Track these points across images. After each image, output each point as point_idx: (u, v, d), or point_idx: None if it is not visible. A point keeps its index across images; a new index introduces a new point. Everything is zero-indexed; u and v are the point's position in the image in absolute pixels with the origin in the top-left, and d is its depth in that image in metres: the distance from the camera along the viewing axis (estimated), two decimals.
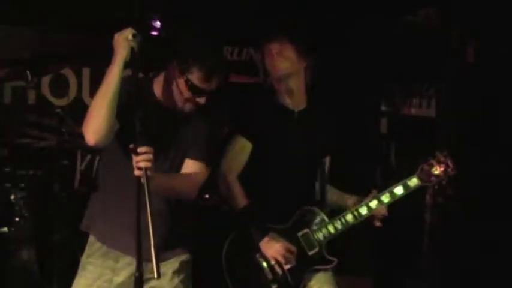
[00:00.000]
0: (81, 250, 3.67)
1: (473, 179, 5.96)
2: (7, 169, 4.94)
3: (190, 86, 3.34)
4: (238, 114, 4.08)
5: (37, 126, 5.82)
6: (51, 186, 5.17)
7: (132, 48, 3.19)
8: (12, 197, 4.78)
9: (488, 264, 5.82)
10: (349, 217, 3.96)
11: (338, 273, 4.05)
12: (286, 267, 3.86)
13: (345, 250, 4.05)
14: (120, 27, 3.29)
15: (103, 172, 3.56)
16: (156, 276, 2.92)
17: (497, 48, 6.02)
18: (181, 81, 3.36)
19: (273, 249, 3.82)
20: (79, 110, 5.07)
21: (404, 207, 4.18)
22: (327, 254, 3.95)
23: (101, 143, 3.25)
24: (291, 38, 4.04)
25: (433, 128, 6.81)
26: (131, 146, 3.08)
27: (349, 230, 3.99)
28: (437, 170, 4.01)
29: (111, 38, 3.28)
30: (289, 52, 4.01)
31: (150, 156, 3.07)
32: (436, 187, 4.01)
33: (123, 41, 3.19)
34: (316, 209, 4.00)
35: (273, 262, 3.84)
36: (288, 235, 3.89)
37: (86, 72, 6.03)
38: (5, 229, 4.75)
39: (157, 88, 3.47)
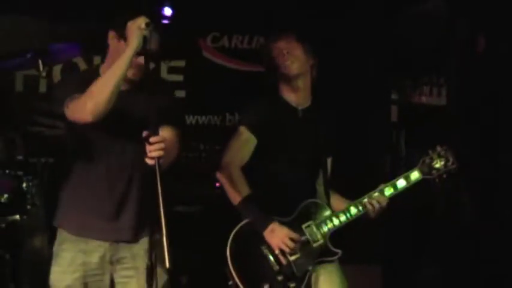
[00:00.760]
0: None
1: (483, 168, 5.96)
2: (19, 157, 4.96)
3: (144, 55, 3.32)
4: (244, 107, 4.09)
5: (49, 114, 5.85)
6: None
7: (145, 37, 3.21)
8: (24, 185, 4.80)
9: (498, 252, 5.82)
10: (353, 210, 3.98)
11: (346, 261, 4.06)
12: (292, 258, 3.87)
13: (353, 239, 4.06)
14: (130, 15, 3.31)
15: (71, 162, 3.57)
16: (167, 265, 2.94)
17: (507, 37, 6.00)
18: (121, 47, 3.35)
19: (277, 237, 3.83)
20: None
21: (413, 195, 4.18)
22: (331, 246, 3.97)
23: (95, 120, 3.25)
24: (298, 37, 4.05)
25: (443, 116, 6.80)
26: (144, 133, 3.11)
27: (356, 219, 4.00)
28: (437, 164, 4.02)
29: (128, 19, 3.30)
30: (298, 51, 4.02)
31: (162, 145, 3.10)
32: (437, 180, 4.02)
33: (136, 30, 3.21)
34: (320, 202, 4.01)
35: (277, 251, 3.85)
36: (292, 227, 3.89)
37: (97, 60, 6.06)
38: (17, 217, 4.77)
39: (104, 69, 3.48)
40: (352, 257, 4.09)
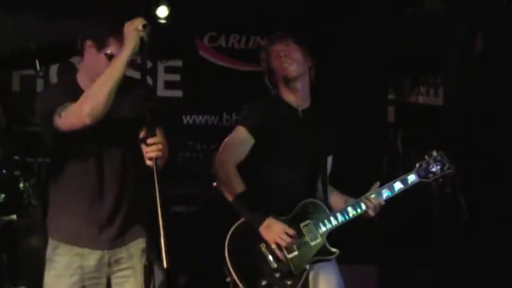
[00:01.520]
0: None
1: (480, 169, 5.97)
2: (16, 157, 4.95)
3: (111, 58, 3.31)
4: (244, 107, 4.09)
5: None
6: None
7: (142, 38, 3.20)
8: (21, 184, 4.80)
9: (494, 254, 5.83)
10: (350, 210, 4.00)
11: (342, 261, 4.07)
12: (289, 256, 3.88)
13: (349, 238, 4.07)
14: (127, 15, 3.30)
15: (57, 173, 3.52)
16: (165, 265, 2.94)
17: (505, 38, 6.01)
18: (101, 58, 3.35)
19: (273, 232, 3.84)
20: None
21: (410, 197, 4.20)
22: (329, 245, 3.98)
23: (92, 123, 3.23)
24: (296, 39, 4.05)
25: (440, 116, 6.82)
26: (141, 134, 3.10)
27: (354, 219, 4.01)
28: (434, 168, 4.08)
29: (120, 25, 3.29)
30: (296, 53, 4.02)
31: (160, 146, 3.08)
32: (433, 184, 4.08)
33: (133, 31, 3.19)
34: (318, 202, 4.02)
35: (274, 246, 3.86)
36: (290, 225, 3.91)
37: None
38: (14, 217, 4.77)
39: (82, 79, 3.47)
40: (348, 257, 4.10)
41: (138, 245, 3.51)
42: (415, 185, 4.06)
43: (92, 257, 3.46)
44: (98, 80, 3.24)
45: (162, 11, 5.90)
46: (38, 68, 4.90)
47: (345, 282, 4.08)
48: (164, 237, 2.93)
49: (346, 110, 6.07)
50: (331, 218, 3.99)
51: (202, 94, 6.33)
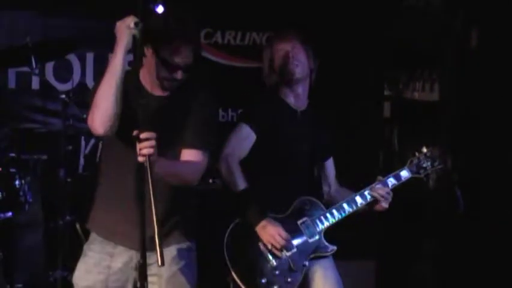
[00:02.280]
0: (85, 235, 3.68)
1: (476, 164, 5.98)
2: (12, 154, 4.95)
3: (164, 62, 3.30)
4: (245, 104, 4.10)
5: (41, 111, 5.85)
6: (56, 171, 5.20)
7: (134, 36, 3.19)
8: (17, 182, 4.79)
9: (491, 249, 5.84)
10: (346, 207, 4.02)
11: (340, 257, 4.09)
12: (288, 254, 3.89)
13: (347, 234, 4.08)
14: (122, 11, 3.29)
15: (103, 163, 3.54)
16: (159, 263, 2.94)
17: (500, 33, 6.01)
18: (156, 62, 3.33)
19: (267, 234, 3.85)
20: (83, 95, 5.10)
21: (407, 191, 4.22)
22: (326, 242, 4.00)
23: (109, 133, 3.24)
24: (302, 40, 4.05)
25: (436, 111, 6.82)
26: (134, 132, 3.08)
27: (351, 215, 4.03)
28: (425, 164, 4.16)
29: (114, 22, 3.29)
30: (302, 55, 4.03)
31: (153, 142, 3.06)
32: (425, 179, 4.13)
33: (125, 29, 3.18)
34: (314, 199, 4.05)
35: (269, 246, 3.88)
36: (287, 223, 3.92)
37: (89, 57, 6.04)
38: (10, 214, 4.77)
39: (144, 78, 3.44)
40: (346, 253, 4.11)
41: (170, 252, 3.44)
42: (408, 181, 4.12)
43: (120, 259, 3.43)
44: (100, 85, 3.23)
45: (159, 9, 5.89)
46: (34, 65, 4.90)
47: (343, 277, 4.10)
48: (158, 235, 2.93)
49: (342, 106, 6.11)
50: (328, 215, 4.01)
51: None
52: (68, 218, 5.10)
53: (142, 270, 2.99)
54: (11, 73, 5.87)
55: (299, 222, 3.98)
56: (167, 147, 3.31)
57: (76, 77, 6.00)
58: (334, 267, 4.08)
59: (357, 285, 4.78)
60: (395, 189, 4.10)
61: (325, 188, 4.25)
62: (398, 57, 6.96)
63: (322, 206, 4.05)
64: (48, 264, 5.15)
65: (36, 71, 4.98)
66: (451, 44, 6.45)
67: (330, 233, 4.04)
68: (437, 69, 7.24)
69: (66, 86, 5.87)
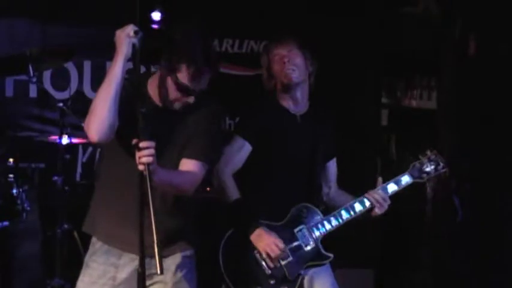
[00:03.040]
0: (83, 243, 3.66)
1: (474, 171, 5.98)
2: (9, 162, 4.94)
3: (179, 86, 3.29)
4: (239, 114, 4.09)
5: (39, 119, 5.84)
6: (53, 180, 5.19)
7: (134, 45, 3.18)
8: (15, 190, 4.77)
9: (490, 256, 5.84)
10: (344, 214, 3.99)
11: (338, 265, 4.07)
12: (283, 262, 3.87)
13: (345, 243, 4.07)
14: (120, 20, 3.29)
15: (104, 169, 3.52)
16: (159, 272, 2.93)
17: (498, 40, 6.02)
18: (169, 80, 3.32)
19: (262, 242, 3.83)
20: (80, 103, 5.10)
21: (405, 200, 4.20)
22: (323, 250, 3.97)
23: (104, 140, 3.23)
24: (299, 44, 4.03)
25: (434, 119, 6.83)
26: (134, 141, 3.08)
27: (349, 223, 4.01)
28: (428, 168, 4.08)
29: (112, 31, 3.29)
30: (299, 59, 4.00)
31: (152, 151, 3.05)
32: (427, 184, 4.07)
33: (125, 38, 3.17)
34: (311, 206, 4.01)
35: (264, 255, 3.86)
36: (283, 231, 3.90)
37: (87, 65, 6.05)
38: (7, 222, 4.75)
39: (151, 87, 3.43)
40: (344, 261, 4.10)
41: (174, 259, 3.44)
42: (409, 186, 4.06)
43: (126, 269, 3.40)
44: (97, 93, 3.22)
45: (156, 16, 5.90)
46: (32, 74, 4.90)
47: (341, 286, 4.08)
48: (157, 243, 2.93)
49: (340, 113, 6.09)
50: (325, 222, 3.98)
51: None
52: (65, 226, 5.09)
53: (141, 278, 2.98)
54: (9, 81, 5.87)
55: (295, 230, 3.95)
56: (168, 160, 3.31)
57: (73, 85, 6.01)
58: (332, 275, 4.05)
59: None
60: (394, 198, 4.06)
61: (325, 190, 4.20)
62: (396, 65, 6.98)
63: (319, 213, 4.02)
64: (46, 272, 5.13)
65: (34, 80, 4.96)
66: (449, 52, 6.45)
67: (328, 241, 4.02)
68: (435, 77, 7.26)
69: (64, 95, 5.88)
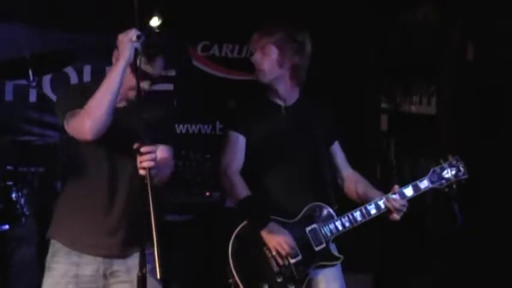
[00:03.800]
0: None
1: (474, 177, 5.97)
2: (9, 167, 4.94)
3: (134, 69, 3.28)
4: (227, 111, 4.10)
5: (39, 123, 5.84)
6: (53, 184, 5.19)
7: (136, 49, 3.21)
8: (14, 194, 4.78)
9: (489, 261, 5.84)
10: (358, 215, 3.96)
11: None
12: (292, 261, 3.87)
13: (345, 247, 4.06)
14: (120, 25, 3.31)
15: (69, 175, 3.55)
16: (158, 276, 2.94)
17: (497, 46, 6.03)
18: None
19: (274, 239, 3.83)
20: None
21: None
22: (333, 251, 3.97)
23: (95, 138, 3.25)
24: (275, 38, 3.99)
25: (433, 125, 6.83)
26: (135, 145, 3.11)
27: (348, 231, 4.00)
28: (448, 174, 4.03)
29: (112, 35, 3.30)
30: (267, 59, 3.99)
31: (153, 156, 3.10)
32: (447, 190, 4.03)
33: (127, 43, 3.21)
34: (325, 205, 3.99)
35: (274, 252, 3.85)
36: (296, 229, 3.89)
37: (87, 69, 6.05)
38: (7, 227, 4.76)
39: None
40: (343, 266, 4.09)
41: (137, 258, 3.45)
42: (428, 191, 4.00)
43: (88, 267, 3.46)
44: (96, 94, 3.24)
45: (155, 21, 5.90)
46: (31, 78, 4.90)
47: None
48: (158, 248, 2.93)
49: (339, 118, 6.10)
50: (337, 223, 3.96)
51: (195, 103, 6.33)
52: None
53: (141, 282, 2.99)
54: (8, 86, 5.87)
55: (307, 229, 3.94)
56: (127, 150, 3.29)
57: None
58: (341, 277, 4.03)
59: None
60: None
61: (337, 174, 4.17)
62: (396, 71, 6.99)
63: (332, 213, 3.98)
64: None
65: (34, 84, 4.97)
66: (448, 58, 6.46)
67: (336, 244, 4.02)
68: (435, 83, 7.27)
69: None
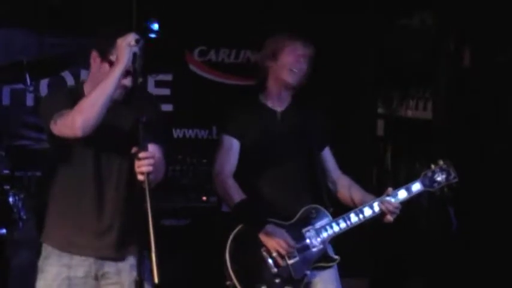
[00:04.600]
0: None
1: (469, 182, 5.99)
2: (6, 171, 4.94)
3: (133, 73, 3.31)
4: (221, 115, 4.12)
5: (35, 128, 5.83)
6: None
7: (134, 53, 3.23)
8: (11, 199, 4.78)
9: (484, 265, 5.85)
10: (353, 218, 4.00)
11: None
12: (290, 262, 3.89)
13: (340, 252, 4.08)
14: (117, 29, 3.32)
15: (57, 178, 3.55)
16: (156, 280, 2.95)
17: (493, 51, 6.05)
18: (105, 67, 3.36)
19: (273, 240, 3.85)
20: None
21: (400, 209, 4.20)
22: (330, 252, 3.99)
23: (85, 135, 3.25)
24: (313, 54, 4.13)
25: (429, 130, 6.85)
26: (133, 150, 3.12)
27: (344, 232, 4.02)
28: (439, 177, 4.09)
29: (109, 40, 3.32)
30: (307, 68, 4.11)
31: (152, 161, 3.11)
32: (439, 193, 4.09)
33: (126, 47, 3.23)
34: (321, 208, 4.02)
35: (274, 254, 3.87)
36: (292, 231, 3.92)
37: (83, 74, 6.04)
38: (4, 231, 4.76)
39: (88, 88, 3.47)
40: (339, 270, 4.10)
41: (128, 260, 3.51)
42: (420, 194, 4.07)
43: (79, 269, 3.47)
44: (91, 93, 3.26)
45: (154, 26, 5.91)
46: (28, 82, 4.90)
47: None
48: (155, 252, 2.94)
49: (335, 123, 6.11)
50: (334, 225, 3.99)
51: (192, 108, 6.33)
52: None
53: (138, 286, 3.00)
54: (6, 90, 5.87)
55: (304, 230, 3.97)
56: (118, 150, 3.35)
57: None
58: (337, 280, 4.06)
59: None
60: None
61: (329, 178, 4.22)
62: (392, 76, 7.01)
63: (328, 214, 4.02)
64: None
65: (31, 88, 4.97)
66: (444, 63, 6.48)
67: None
68: (431, 88, 7.29)
69: None
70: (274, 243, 3.84)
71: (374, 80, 6.65)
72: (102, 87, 3.25)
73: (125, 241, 3.49)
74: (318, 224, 3.99)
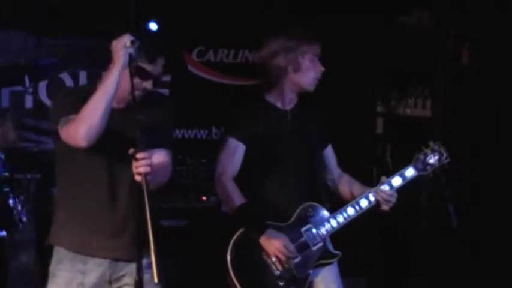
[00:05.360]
0: None
1: (468, 180, 6.00)
2: (5, 173, 4.94)
3: (138, 70, 3.31)
4: (228, 115, 4.10)
5: (34, 130, 5.84)
6: (49, 190, 5.19)
7: (130, 55, 3.22)
8: (11, 201, 4.78)
9: (484, 264, 5.85)
10: (350, 210, 3.99)
11: None
12: (292, 263, 3.88)
13: (338, 251, 4.07)
14: (116, 30, 3.32)
15: (66, 179, 3.54)
16: (156, 280, 2.95)
17: (492, 49, 6.05)
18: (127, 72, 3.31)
19: (272, 246, 3.84)
20: None
21: (398, 206, 4.21)
22: (331, 248, 3.99)
23: (89, 145, 3.24)
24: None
25: (428, 128, 6.85)
26: (130, 151, 3.11)
27: (342, 231, 4.02)
28: (431, 159, 4.08)
29: (108, 40, 3.31)
30: None
31: (149, 161, 3.10)
32: (431, 175, 4.07)
33: (121, 48, 3.21)
34: (317, 204, 4.01)
35: (274, 259, 3.86)
36: (291, 231, 3.91)
37: (82, 75, 6.06)
38: (4, 233, 4.76)
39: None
40: (339, 270, 4.10)
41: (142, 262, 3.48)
42: (414, 179, 4.05)
43: (93, 274, 3.43)
44: (92, 99, 3.24)
45: (153, 27, 5.92)
46: (27, 84, 4.91)
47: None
48: (155, 252, 2.94)
49: (334, 122, 6.12)
50: (331, 220, 3.98)
51: (192, 108, 6.34)
52: None
53: (138, 286, 3.00)
54: (5, 92, 5.87)
55: (302, 229, 3.95)
56: (122, 154, 3.28)
57: None
58: (338, 280, 4.06)
59: None
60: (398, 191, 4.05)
61: (329, 176, 4.21)
62: (391, 74, 7.01)
63: (325, 210, 4.02)
64: (42, 283, 5.12)
65: (30, 90, 4.98)
66: (443, 61, 6.49)
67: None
68: (430, 86, 7.29)
69: None
70: (274, 248, 3.83)
71: (373, 79, 6.65)
72: (101, 91, 3.24)
73: (142, 243, 3.45)
74: (316, 222, 3.98)
